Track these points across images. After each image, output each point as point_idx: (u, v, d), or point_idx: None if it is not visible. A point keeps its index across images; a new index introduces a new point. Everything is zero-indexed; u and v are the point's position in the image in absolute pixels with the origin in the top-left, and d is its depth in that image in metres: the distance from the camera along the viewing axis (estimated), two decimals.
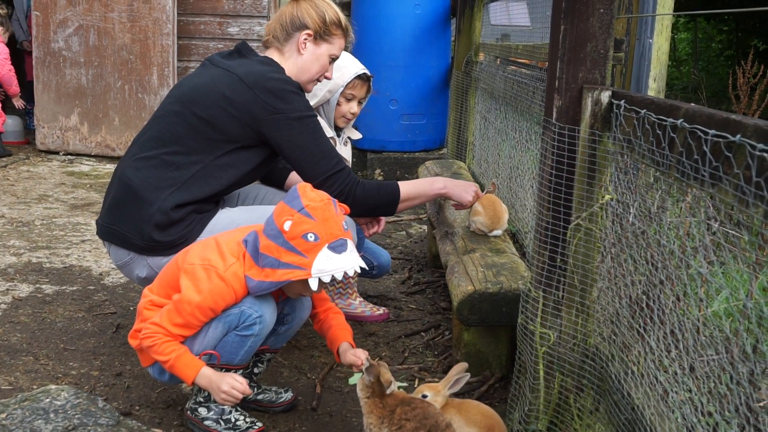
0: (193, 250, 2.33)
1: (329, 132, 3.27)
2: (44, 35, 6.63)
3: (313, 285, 2.16)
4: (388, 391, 2.08)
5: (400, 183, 2.82)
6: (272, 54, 2.81)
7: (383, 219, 3.04)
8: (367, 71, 3.29)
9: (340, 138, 3.36)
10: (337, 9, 2.84)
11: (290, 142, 2.62)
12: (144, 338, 2.23)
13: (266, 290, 2.22)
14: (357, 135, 3.44)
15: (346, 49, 2.92)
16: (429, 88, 6.38)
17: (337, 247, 2.18)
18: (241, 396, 2.23)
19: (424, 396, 2.16)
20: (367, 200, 2.71)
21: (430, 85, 6.37)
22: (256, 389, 2.57)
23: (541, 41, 3.59)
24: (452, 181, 2.96)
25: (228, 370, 2.30)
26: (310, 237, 2.16)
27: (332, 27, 2.80)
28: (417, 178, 4.53)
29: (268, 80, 2.63)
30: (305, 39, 2.78)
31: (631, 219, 1.85)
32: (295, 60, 2.79)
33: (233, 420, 2.39)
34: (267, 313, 2.29)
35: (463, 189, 2.97)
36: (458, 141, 5.34)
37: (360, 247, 3.21)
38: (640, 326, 1.79)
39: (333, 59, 2.85)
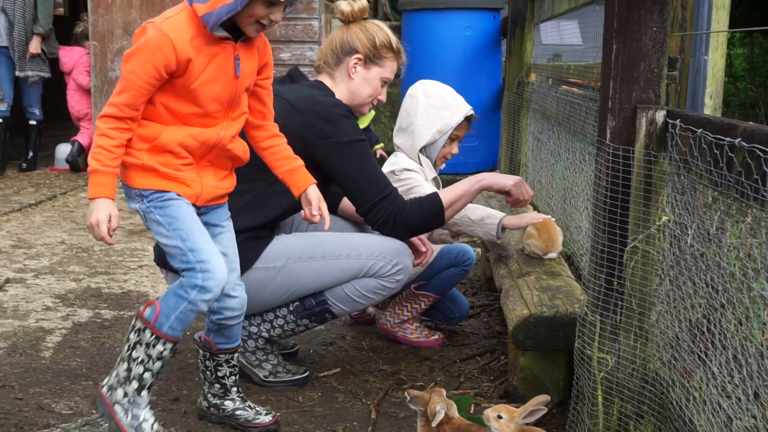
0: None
1: (433, 172, 3.23)
2: (102, 64, 6.78)
3: None
4: (433, 424, 2.06)
5: (439, 191, 2.80)
6: (324, 79, 2.84)
7: (430, 251, 3.00)
8: (472, 110, 3.22)
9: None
10: (389, 32, 2.84)
11: (339, 166, 2.63)
12: (96, 128, 2.14)
13: (225, 16, 2.07)
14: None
15: (398, 72, 2.91)
16: (480, 110, 6.35)
17: None
18: (99, 236, 2.16)
19: (500, 416, 2.09)
20: (414, 220, 2.69)
21: (481, 106, 6.35)
22: (239, 402, 2.51)
23: (594, 61, 3.56)
24: (491, 174, 2.92)
25: (157, 338, 2.22)
26: None
27: (383, 50, 2.81)
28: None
29: (318, 104, 2.66)
30: (355, 63, 2.79)
31: (689, 241, 1.81)
32: (347, 84, 2.81)
33: (141, 419, 2.25)
34: (218, 272, 2.20)
35: (504, 176, 2.92)
36: (511, 162, 5.30)
37: (427, 275, 3.18)
38: (701, 351, 1.75)
39: (385, 82, 2.86)
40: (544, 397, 2.11)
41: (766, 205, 1.36)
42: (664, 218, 1.94)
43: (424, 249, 2.98)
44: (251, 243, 2.66)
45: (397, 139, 3.24)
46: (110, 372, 2.31)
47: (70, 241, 4.87)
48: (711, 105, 4.48)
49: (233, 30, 2.18)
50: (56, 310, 3.60)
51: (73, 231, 5.13)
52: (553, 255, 3.07)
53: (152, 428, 2.26)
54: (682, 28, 4.13)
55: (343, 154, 2.63)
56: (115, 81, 6.74)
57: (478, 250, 4.71)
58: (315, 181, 2.41)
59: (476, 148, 6.42)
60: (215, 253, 2.23)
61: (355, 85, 2.82)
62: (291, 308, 2.74)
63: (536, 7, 4.97)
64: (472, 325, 3.56)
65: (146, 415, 2.26)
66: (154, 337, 2.22)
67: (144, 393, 2.26)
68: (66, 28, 13.10)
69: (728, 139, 1.50)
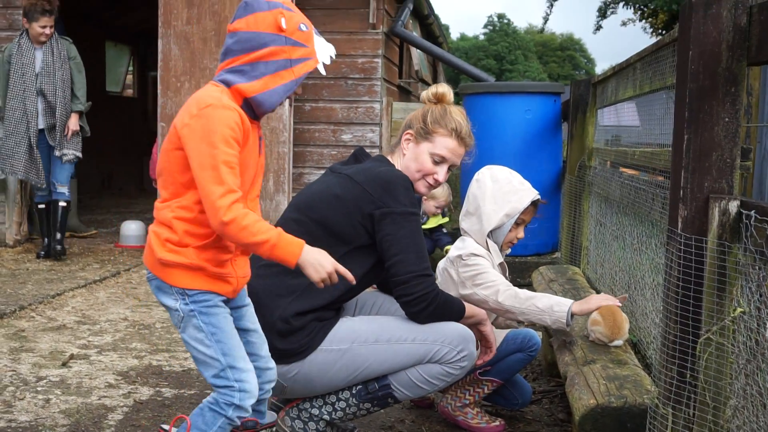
0: (177, 120, 2.14)
1: (499, 257, 3.21)
2: None
3: (322, 69, 2.19)
4: None
5: (464, 302, 2.80)
6: (387, 155, 2.89)
7: (494, 347, 2.97)
8: (539, 195, 3.22)
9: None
10: (454, 113, 2.82)
11: (391, 235, 2.63)
12: (230, 223, 2.01)
13: (282, 96, 2.15)
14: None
15: (465, 156, 2.91)
16: (541, 192, 6.32)
17: (318, 32, 2.25)
18: (335, 278, 2.15)
19: None
20: (445, 308, 2.68)
21: (541, 188, 6.29)
22: None
23: (655, 142, 3.55)
24: (490, 325, 2.91)
25: None
26: (303, 27, 2.17)
27: (433, 125, 2.80)
28: (530, 282, 4.47)
29: (377, 174, 2.69)
30: (407, 138, 2.83)
31: (766, 334, 1.76)
32: (401, 161, 2.84)
33: None
34: (254, 390, 2.23)
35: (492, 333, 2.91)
36: (572, 246, 5.26)
37: (492, 360, 3.14)
38: None
39: (437, 160, 2.81)
40: None
41: None
42: (739, 310, 1.90)
43: (492, 348, 2.94)
44: (316, 325, 2.67)
45: (464, 224, 3.24)
46: None
47: (133, 317, 4.93)
48: None
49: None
50: (118, 388, 3.63)
51: (135, 308, 5.20)
52: (619, 342, 3.01)
53: None
54: (748, 114, 4.10)
55: (397, 224, 2.63)
56: None
57: (540, 334, 4.65)
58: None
59: (536, 230, 6.38)
60: (251, 371, 2.23)
61: (406, 160, 2.84)
62: (354, 391, 2.72)
63: (598, 92, 5.00)
64: (534, 411, 3.49)
65: None
66: None
67: None
68: (134, 110, 13.59)
69: None
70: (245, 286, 2.43)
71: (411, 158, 2.83)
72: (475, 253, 3.11)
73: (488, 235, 3.17)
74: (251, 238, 2.05)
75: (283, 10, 2.16)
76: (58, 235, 6.73)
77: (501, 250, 3.24)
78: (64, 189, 6.72)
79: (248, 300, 2.44)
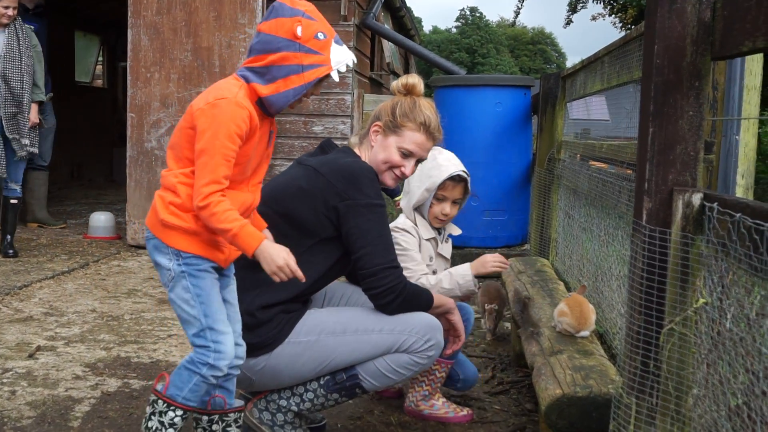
0: (195, 103, 2.32)
1: (429, 233, 3.27)
2: (138, 135, 6.92)
3: (335, 76, 2.35)
4: None
5: (433, 293, 2.83)
6: (354, 147, 2.89)
7: (463, 336, 3.00)
8: (463, 172, 3.25)
9: (441, 236, 3.35)
10: (423, 106, 2.81)
11: (357, 228, 2.63)
12: (204, 207, 2.20)
13: (292, 98, 2.33)
14: (457, 231, 3.42)
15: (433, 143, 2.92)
16: (510, 185, 6.39)
17: (339, 40, 2.40)
18: (291, 273, 2.29)
19: None
20: (413, 299, 2.70)
21: (511, 181, 6.39)
22: None
23: (624, 136, 3.59)
24: (458, 314, 2.98)
25: (168, 406, 2.38)
26: (320, 36, 2.33)
27: (401, 118, 2.79)
28: (499, 276, 4.50)
29: (341, 166, 2.69)
30: (375, 130, 2.83)
31: (728, 325, 1.79)
32: (368, 152, 2.85)
33: None
34: (229, 352, 2.38)
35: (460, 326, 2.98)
36: (541, 238, 5.30)
37: (454, 355, 3.19)
38: None
39: (404, 153, 2.81)
40: None
41: None
42: (702, 301, 1.92)
43: (461, 336, 2.98)
44: (283, 317, 2.67)
45: (402, 202, 3.36)
46: None
47: (101, 309, 4.90)
48: (743, 184, 4.47)
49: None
50: (86, 379, 3.60)
51: (104, 299, 5.17)
52: (585, 333, 3.04)
53: None
54: (713, 108, 4.15)
55: (362, 216, 2.63)
56: (150, 152, 6.87)
57: (508, 325, 4.68)
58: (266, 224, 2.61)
59: (506, 222, 6.43)
60: (229, 334, 2.38)
61: (373, 152, 2.84)
62: (321, 382, 2.73)
63: (567, 85, 5.04)
64: (502, 401, 3.52)
65: None
66: (165, 405, 2.38)
67: None
68: (104, 100, 13.45)
69: None
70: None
71: (378, 150, 2.82)
72: (398, 227, 3.24)
73: (417, 210, 3.27)
74: (218, 224, 2.23)
75: (302, 18, 2.32)
76: (9, 237, 6.44)
77: (435, 226, 3.30)
78: (16, 186, 6.43)
79: (233, 275, 2.55)
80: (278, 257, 2.27)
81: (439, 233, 3.34)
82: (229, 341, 2.37)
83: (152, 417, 2.38)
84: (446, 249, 3.37)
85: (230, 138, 2.24)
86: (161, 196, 2.36)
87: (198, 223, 2.29)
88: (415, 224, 3.26)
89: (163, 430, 2.38)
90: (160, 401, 2.38)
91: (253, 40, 2.38)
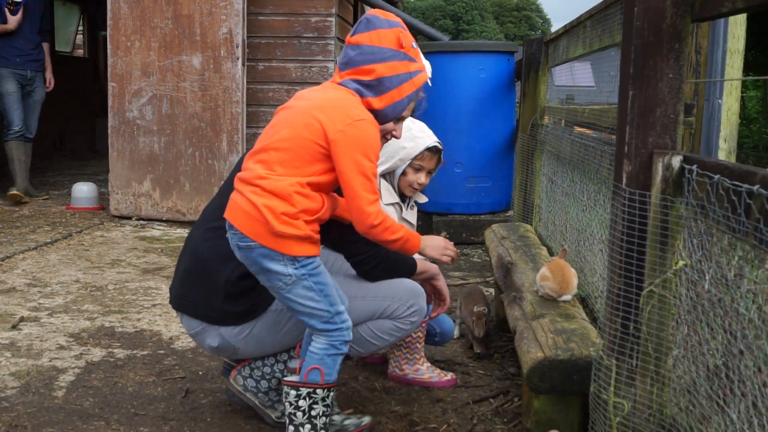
0: (325, 121, 2.34)
1: (393, 198, 3.28)
2: (119, 105, 6.86)
3: (429, 81, 2.53)
4: None
5: (416, 259, 2.86)
6: None
7: (448, 299, 3.02)
8: (439, 144, 3.27)
9: (406, 203, 3.36)
10: None
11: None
12: (380, 225, 2.37)
13: (406, 105, 2.46)
14: (423, 198, 3.44)
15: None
16: (494, 151, 6.39)
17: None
18: (454, 249, 2.75)
19: None
20: (396, 266, 2.74)
21: (495, 147, 6.39)
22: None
23: (607, 102, 3.58)
24: (443, 279, 2.99)
25: (329, 390, 2.49)
26: (414, 44, 2.46)
27: None
28: (483, 240, 4.51)
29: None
30: None
31: (706, 286, 1.81)
32: None
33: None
34: (349, 318, 2.50)
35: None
36: (524, 203, 5.31)
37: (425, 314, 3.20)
38: (719, 397, 1.73)
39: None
40: None
41: None
42: (681, 263, 1.93)
43: (446, 301, 2.99)
44: None
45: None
46: None
47: (85, 279, 4.89)
48: (725, 148, 4.49)
49: None
50: (70, 349, 3.60)
51: (87, 270, 5.15)
52: (567, 297, 3.06)
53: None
54: (696, 72, 4.14)
55: None
56: (132, 121, 6.81)
57: (492, 290, 4.70)
58: None
59: (489, 188, 6.43)
60: (346, 310, 2.49)
61: None
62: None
63: (550, 51, 5.02)
64: (486, 366, 3.54)
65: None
66: (326, 390, 2.48)
67: None
68: (85, 70, 13.32)
69: (746, 185, 1.51)
70: None
71: None
72: None
73: (384, 177, 3.27)
74: (391, 236, 2.41)
75: (401, 29, 2.43)
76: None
77: (404, 194, 3.30)
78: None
79: None
80: (438, 243, 2.72)
81: (404, 200, 3.34)
82: (347, 314, 2.49)
83: (314, 406, 2.48)
84: (411, 215, 3.38)
85: (376, 157, 2.37)
86: (269, 206, 2.33)
87: (309, 228, 2.35)
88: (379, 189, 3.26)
89: (327, 410, 2.51)
90: (319, 390, 2.46)
91: (348, 53, 2.43)
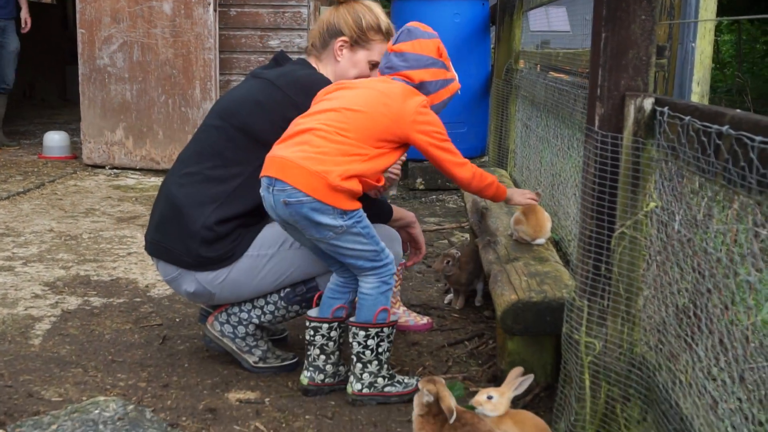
0: (401, 101, 2.51)
1: None
2: (90, 52, 6.75)
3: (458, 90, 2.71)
4: (450, 421, 2.05)
5: (392, 206, 2.92)
6: (311, 61, 2.85)
7: (424, 248, 3.03)
8: None
9: None
10: (379, 13, 2.83)
11: None
12: (476, 169, 2.64)
13: (440, 110, 2.64)
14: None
15: None
16: (469, 97, 6.37)
17: None
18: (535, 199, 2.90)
19: (490, 397, 2.12)
20: (371, 211, 2.73)
21: (470, 93, 6.36)
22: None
23: (581, 47, 3.57)
24: (419, 227, 3.05)
25: (393, 327, 2.63)
26: (447, 54, 2.65)
27: (369, 32, 2.80)
28: (458, 187, 4.52)
29: (298, 78, 2.67)
30: (341, 45, 2.80)
31: (676, 226, 1.83)
32: (333, 67, 2.82)
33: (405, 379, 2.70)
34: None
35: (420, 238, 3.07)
36: (499, 149, 5.32)
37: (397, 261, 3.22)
38: (687, 335, 1.77)
39: (373, 65, 2.85)
40: (518, 369, 2.19)
41: (753, 191, 1.38)
42: (652, 204, 1.95)
43: (422, 248, 3.01)
44: (242, 231, 2.67)
45: None
46: (353, 378, 2.63)
47: (59, 228, 4.86)
48: (698, 92, 4.50)
49: None
50: (45, 298, 3.60)
51: (61, 219, 5.12)
52: (541, 241, 3.09)
53: (416, 378, 2.71)
54: (670, 15, 4.14)
55: None
56: (103, 69, 6.72)
57: (467, 235, 4.73)
58: None
59: (465, 134, 6.43)
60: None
61: (341, 67, 2.82)
62: (282, 294, 2.75)
63: None
64: (461, 310, 3.58)
65: (403, 377, 2.71)
66: (391, 328, 2.62)
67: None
68: (53, 17, 13.06)
69: (716, 126, 1.52)
70: None
71: (348, 66, 2.82)
72: None
73: None
74: (484, 180, 2.66)
75: (439, 40, 2.65)
76: None
77: None
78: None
79: None
80: (521, 191, 2.90)
81: None
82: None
83: (381, 343, 2.61)
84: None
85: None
86: (330, 162, 2.42)
87: (359, 185, 2.47)
88: None
89: (390, 346, 2.65)
90: (386, 328, 2.60)
91: (393, 59, 2.61)
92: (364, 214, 2.52)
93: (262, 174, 2.50)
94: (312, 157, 2.42)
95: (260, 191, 2.52)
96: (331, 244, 2.50)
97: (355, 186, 2.45)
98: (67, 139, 7.46)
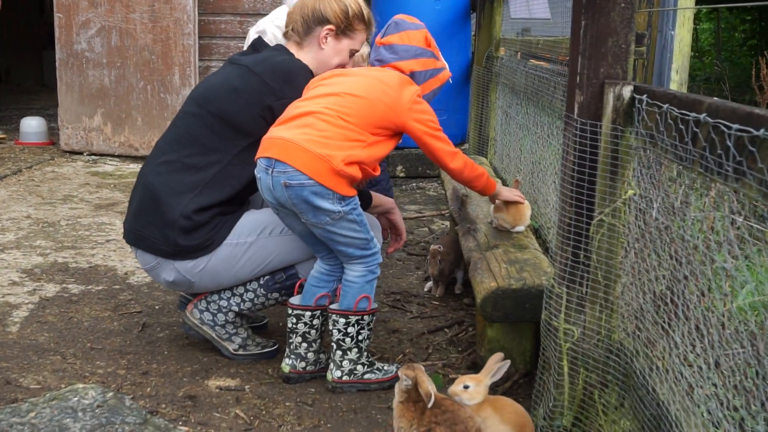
0: (397, 95, 2.55)
1: None
2: (67, 37, 6.68)
3: (450, 78, 2.79)
4: (429, 405, 2.05)
5: (372, 193, 2.91)
6: (290, 47, 2.82)
7: (404, 234, 3.03)
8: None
9: None
10: (361, 1, 2.82)
11: None
12: (467, 159, 2.74)
13: (431, 99, 2.73)
14: None
15: (366, 40, 2.92)
16: (449, 84, 6.35)
17: None
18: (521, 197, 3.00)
19: (466, 387, 2.12)
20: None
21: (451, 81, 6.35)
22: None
23: (562, 35, 3.58)
24: (399, 213, 3.03)
25: (373, 315, 2.65)
26: (434, 43, 2.70)
27: (355, 21, 2.79)
28: (439, 174, 4.52)
29: (275, 64, 2.66)
30: (327, 34, 2.77)
31: (654, 214, 1.84)
32: (315, 54, 2.80)
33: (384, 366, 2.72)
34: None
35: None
36: (480, 136, 5.33)
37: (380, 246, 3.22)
38: (664, 322, 1.78)
39: (353, 53, 2.85)
40: (498, 355, 2.18)
41: (729, 179, 1.39)
42: (630, 192, 1.97)
43: (402, 235, 3.00)
44: (220, 219, 2.66)
45: None
46: (333, 365, 2.64)
47: (36, 215, 4.82)
48: (677, 80, 4.53)
49: None
50: (23, 285, 3.57)
51: (39, 205, 5.08)
52: (520, 228, 3.10)
53: (395, 366, 2.74)
54: (650, 3, 4.15)
55: None
56: (80, 54, 6.65)
57: (447, 223, 4.74)
58: None
59: (445, 122, 6.39)
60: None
61: (324, 55, 2.80)
62: (261, 282, 2.75)
63: None
64: (441, 297, 3.59)
65: (383, 365, 2.72)
66: (371, 316, 2.64)
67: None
68: (30, 1, 12.90)
69: (693, 114, 1.53)
70: None
71: (332, 54, 2.80)
72: None
73: None
74: (475, 171, 2.75)
75: (427, 30, 2.72)
76: None
77: None
78: None
79: None
80: (509, 189, 2.99)
81: None
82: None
83: (362, 331, 2.62)
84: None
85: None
86: (334, 147, 2.44)
87: (363, 174, 2.51)
88: None
89: (371, 334, 2.68)
90: (366, 317, 2.61)
91: (380, 53, 2.68)
92: (359, 202, 2.53)
93: (259, 155, 2.49)
94: (315, 140, 2.42)
95: (256, 172, 2.51)
96: (325, 230, 2.50)
97: (356, 172, 2.47)
98: (44, 125, 7.39)
